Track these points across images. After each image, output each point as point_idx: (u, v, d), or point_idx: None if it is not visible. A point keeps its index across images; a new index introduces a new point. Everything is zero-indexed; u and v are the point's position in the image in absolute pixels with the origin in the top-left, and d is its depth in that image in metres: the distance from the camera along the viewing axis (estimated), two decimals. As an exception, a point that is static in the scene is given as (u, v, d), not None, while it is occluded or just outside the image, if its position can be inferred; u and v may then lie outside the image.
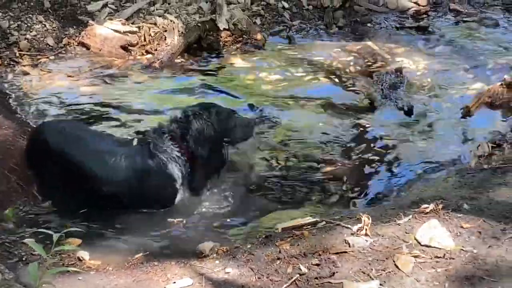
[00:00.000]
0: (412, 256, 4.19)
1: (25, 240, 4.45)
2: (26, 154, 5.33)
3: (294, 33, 7.33)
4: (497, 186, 4.90)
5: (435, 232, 4.37)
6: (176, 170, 5.01)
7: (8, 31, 6.85)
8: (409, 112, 6.24)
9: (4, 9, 6.99)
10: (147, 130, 5.14)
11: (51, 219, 5.00)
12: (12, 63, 6.65)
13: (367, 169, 5.66)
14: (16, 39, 6.82)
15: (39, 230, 4.54)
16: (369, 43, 7.18)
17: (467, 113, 6.09)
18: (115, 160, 5.02)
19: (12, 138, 5.56)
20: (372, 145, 5.92)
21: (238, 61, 6.95)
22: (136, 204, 5.09)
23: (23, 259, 4.38)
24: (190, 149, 4.93)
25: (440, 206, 4.63)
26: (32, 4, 7.11)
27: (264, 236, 4.61)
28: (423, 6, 7.69)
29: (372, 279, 4.07)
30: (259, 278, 4.19)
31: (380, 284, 4.06)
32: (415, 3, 7.72)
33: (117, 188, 5.04)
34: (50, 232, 4.33)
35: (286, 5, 7.54)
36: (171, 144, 4.95)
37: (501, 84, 6.16)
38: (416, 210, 4.65)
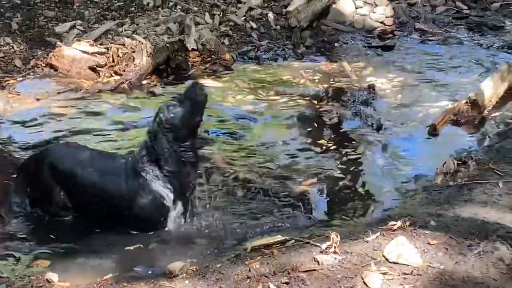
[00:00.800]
0: (381, 273, 4.20)
1: (-3, 261, 4.43)
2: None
3: (262, 53, 7.35)
4: (463, 203, 4.93)
5: (402, 249, 4.39)
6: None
7: (-24, 54, 6.83)
8: (378, 129, 6.28)
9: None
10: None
11: (20, 242, 4.96)
12: (-22, 84, 6.61)
13: (335, 187, 5.67)
14: (-17, 60, 6.81)
15: (7, 252, 4.53)
16: (337, 62, 7.20)
17: (433, 130, 6.12)
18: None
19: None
20: (339, 163, 5.95)
21: (207, 81, 6.96)
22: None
23: (-4, 281, 4.34)
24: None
25: (408, 223, 4.65)
26: (0, 26, 7.07)
27: (233, 255, 4.61)
28: (389, 25, 7.76)
29: (341, 298, 4.09)
30: (221, 290, 4.20)
31: (351, 301, 4.08)
32: (381, 23, 7.79)
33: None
34: (18, 254, 4.32)
35: (254, 26, 7.56)
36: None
37: (466, 102, 6.21)
38: (384, 227, 4.66)
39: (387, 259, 4.38)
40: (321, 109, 6.52)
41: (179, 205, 4.93)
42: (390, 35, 7.64)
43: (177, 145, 4.82)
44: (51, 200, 5.17)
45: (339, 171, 5.91)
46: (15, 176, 5.41)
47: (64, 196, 5.12)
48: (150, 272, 4.70)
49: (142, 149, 4.95)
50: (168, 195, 4.92)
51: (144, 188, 4.92)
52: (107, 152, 5.48)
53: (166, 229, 5.00)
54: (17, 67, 6.89)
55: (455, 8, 8.01)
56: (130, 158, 5.08)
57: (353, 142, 6.21)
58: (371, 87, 6.75)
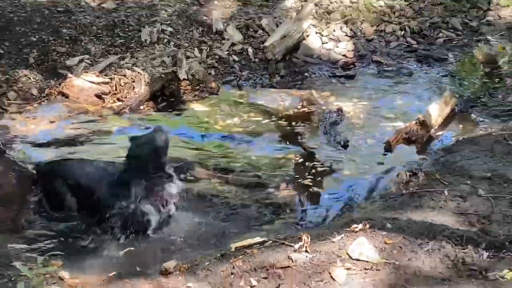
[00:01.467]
0: (345, 268, 4.21)
1: (14, 263, 4.40)
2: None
3: (243, 81, 7.35)
4: (414, 208, 4.95)
5: (363, 248, 4.40)
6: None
7: (-3, 83, 6.80)
8: (345, 146, 6.28)
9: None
10: None
11: (36, 245, 4.92)
12: (1, 110, 6.58)
13: (306, 195, 5.68)
14: (5, 90, 6.76)
15: (26, 254, 4.50)
16: (307, 89, 7.20)
17: (388, 147, 6.16)
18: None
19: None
20: (311, 174, 5.95)
21: (196, 106, 6.98)
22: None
23: (12, 279, 4.31)
24: None
25: (368, 226, 4.66)
26: (18, 60, 7.07)
27: (219, 255, 4.60)
28: (350, 58, 7.77)
29: (311, 289, 4.07)
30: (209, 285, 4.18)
31: (320, 291, 4.06)
32: (343, 55, 7.80)
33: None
34: (35, 255, 4.29)
35: (236, 58, 7.56)
36: None
37: (416, 123, 6.24)
38: (347, 229, 4.66)
39: (350, 257, 4.38)
40: (295, 129, 6.55)
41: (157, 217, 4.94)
42: (351, 66, 7.66)
43: (145, 174, 4.90)
44: (63, 204, 5.26)
45: (311, 181, 5.91)
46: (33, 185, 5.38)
47: (73, 200, 5.14)
48: (148, 270, 4.68)
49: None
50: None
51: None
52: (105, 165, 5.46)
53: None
54: (34, 95, 6.85)
55: (406, 43, 8.03)
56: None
57: (324, 156, 6.22)
58: (340, 110, 6.75)
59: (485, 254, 4.32)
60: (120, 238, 4.93)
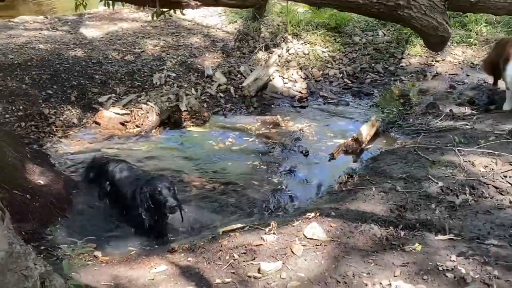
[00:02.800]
0: (302, 245, 4.23)
1: (61, 246, 4.37)
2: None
3: (227, 111, 7.38)
4: (350, 201, 4.97)
5: (315, 230, 4.41)
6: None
7: (48, 115, 6.77)
8: (306, 154, 6.35)
9: (46, 102, 6.93)
10: None
11: (76, 231, 4.90)
12: (51, 135, 6.56)
13: (274, 193, 5.69)
14: (54, 120, 6.73)
15: (69, 239, 4.48)
16: (273, 116, 7.22)
17: (332, 157, 6.21)
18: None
19: (52, 182, 5.48)
20: (280, 176, 6.00)
21: (193, 129, 7.02)
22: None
23: (59, 258, 4.28)
24: None
25: (318, 214, 4.68)
26: (63, 98, 7.06)
27: (211, 237, 4.60)
28: (304, 94, 7.81)
29: (278, 261, 4.08)
30: (208, 263, 4.21)
31: (283, 263, 4.08)
32: (299, 92, 7.84)
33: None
34: (76, 240, 4.27)
35: (222, 95, 7.61)
36: None
37: (352, 139, 6.30)
38: (303, 217, 4.68)
39: (305, 236, 4.39)
40: (268, 144, 6.58)
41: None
42: (305, 99, 7.70)
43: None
44: (103, 192, 5.30)
45: (278, 182, 5.92)
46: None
47: (110, 190, 5.19)
48: (159, 249, 4.67)
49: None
50: None
51: None
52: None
53: None
54: (75, 123, 6.82)
55: (343, 83, 8.10)
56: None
57: (290, 163, 6.23)
58: (301, 130, 6.84)
59: (402, 233, 4.36)
60: (145, 220, 4.84)
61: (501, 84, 6.86)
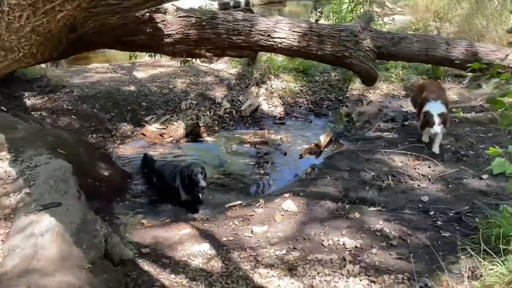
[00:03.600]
0: (281, 215, 4.23)
1: (118, 216, 4.36)
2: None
3: (231, 127, 7.33)
4: (314, 185, 4.98)
5: (289, 205, 4.42)
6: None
7: (111, 129, 6.75)
8: (285, 154, 6.33)
9: (109, 121, 6.92)
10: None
11: (127, 208, 4.88)
12: (112, 143, 6.52)
13: (261, 181, 5.68)
14: (114, 133, 6.70)
15: (124, 210, 4.47)
16: (262, 130, 7.20)
17: (301, 156, 6.17)
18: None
19: (113, 174, 5.48)
20: (265, 169, 5.93)
21: (208, 139, 6.98)
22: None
23: (118, 224, 4.27)
24: None
25: (291, 194, 4.69)
26: (121, 118, 7.02)
27: (220, 211, 4.60)
28: (282, 114, 7.77)
29: (265, 225, 4.09)
30: (218, 228, 4.23)
31: (268, 227, 4.09)
32: (279, 113, 7.80)
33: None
34: (129, 211, 4.25)
35: (227, 116, 7.55)
36: None
37: (314, 144, 6.30)
38: (282, 196, 4.71)
39: (283, 209, 4.42)
40: (258, 149, 6.52)
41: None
42: (283, 118, 7.67)
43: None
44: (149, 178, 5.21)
45: (265, 173, 5.91)
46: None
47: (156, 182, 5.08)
48: (186, 218, 4.65)
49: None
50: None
51: None
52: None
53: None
54: (129, 135, 6.77)
55: (309, 107, 8.05)
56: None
57: (273, 161, 6.16)
58: (281, 139, 6.77)
59: (347, 206, 4.38)
60: (181, 195, 4.77)
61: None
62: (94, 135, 6.49)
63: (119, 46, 6.04)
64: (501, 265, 3.01)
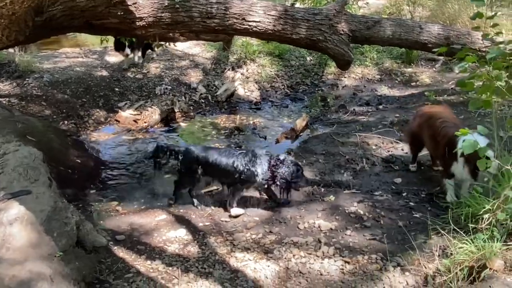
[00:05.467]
0: (257, 199, 4.17)
1: (92, 203, 4.29)
2: None
3: (207, 112, 7.27)
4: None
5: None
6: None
7: (83, 116, 6.60)
8: (265, 138, 6.27)
9: (82, 107, 6.77)
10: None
11: (103, 194, 4.79)
12: (85, 129, 6.37)
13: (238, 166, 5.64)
14: (87, 119, 6.54)
15: (98, 198, 4.38)
16: (238, 115, 7.16)
17: (277, 141, 6.15)
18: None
19: (86, 161, 5.38)
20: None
21: (183, 124, 6.88)
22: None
23: (91, 211, 4.21)
24: None
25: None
26: (94, 104, 6.87)
27: (196, 195, 4.56)
28: (258, 99, 7.75)
29: (241, 210, 4.07)
30: (194, 212, 4.21)
31: (244, 211, 4.08)
32: (255, 98, 7.78)
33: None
34: (102, 199, 4.18)
35: (203, 101, 7.48)
36: None
37: (290, 129, 6.30)
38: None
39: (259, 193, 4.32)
40: (233, 133, 6.46)
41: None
42: (259, 103, 7.64)
43: None
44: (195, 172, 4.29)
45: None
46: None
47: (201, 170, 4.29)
48: (162, 204, 4.60)
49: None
50: None
51: None
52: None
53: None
54: (102, 121, 6.63)
55: (285, 92, 8.06)
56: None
57: (249, 145, 6.12)
58: (256, 123, 6.75)
59: (322, 189, 4.41)
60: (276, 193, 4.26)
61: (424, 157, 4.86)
62: (66, 122, 6.31)
63: (90, 29, 5.85)
64: (470, 243, 3.10)
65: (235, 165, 4.10)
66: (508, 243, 3.10)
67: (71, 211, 3.09)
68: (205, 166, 4.19)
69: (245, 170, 4.07)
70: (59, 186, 3.71)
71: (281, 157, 4.10)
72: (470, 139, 2.97)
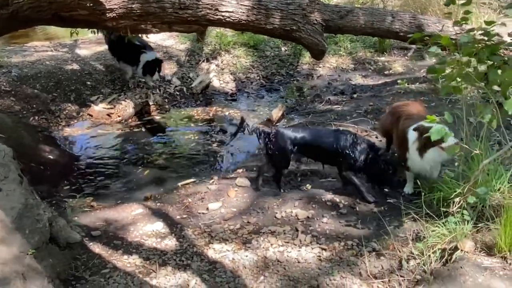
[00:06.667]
0: (235, 190, 4.24)
1: (66, 199, 4.22)
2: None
3: (182, 104, 7.19)
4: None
5: (243, 180, 4.43)
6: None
7: (55, 111, 6.44)
8: (240, 125, 6.23)
9: (52, 102, 6.59)
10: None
11: (77, 190, 4.72)
12: (57, 125, 6.24)
13: (216, 156, 5.66)
14: (58, 114, 6.40)
15: (71, 193, 4.31)
16: (213, 107, 7.12)
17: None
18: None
19: (58, 157, 5.28)
20: (220, 144, 5.89)
21: (158, 117, 6.80)
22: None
23: (64, 207, 4.13)
24: None
25: (244, 170, 4.69)
26: (65, 98, 6.70)
27: (173, 188, 4.55)
28: (234, 91, 7.72)
29: (219, 201, 4.09)
30: (171, 206, 4.17)
31: (222, 203, 4.09)
32: (230, 89, 7.74)
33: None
34: (76, 194, 4.11)
35: (178, 93, 7.40)
36: None
37: (267, 119, 6.29)
38: (235, 172, 4.71)
39: (237, 185, 4.40)
40: (210, 125, 6.45)
41: None
42: (234, 94, 7.62)
43: None
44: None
45: (218, 150, 5.87)
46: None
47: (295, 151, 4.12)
48: (137, 198, 4.57)
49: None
50: None
51: None
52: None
53: None
54: (74, 116, 6.50)
55: (260, 82, 8.04)
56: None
57: (225, 137, 6.08)
58: (232, 114, 6.70)
59: (299, 178, 4.44)
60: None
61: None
62: (36, 117, 6.15)
63: (58, 22, 5.69)
64: (442, 226, 3.19)
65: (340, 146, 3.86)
66: (478, 225, 3.20)
67: (43, 208, 3.03)
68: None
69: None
70: (31, 183, 3.63)
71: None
72: (438, 127, 3.04)
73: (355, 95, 6.79)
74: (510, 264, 2.92)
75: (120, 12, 5.34)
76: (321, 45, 6.08)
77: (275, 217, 3.82)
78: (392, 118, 4.23)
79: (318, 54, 6.36)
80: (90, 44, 8.56)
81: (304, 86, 7.56)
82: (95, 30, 6.97)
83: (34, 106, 6.31)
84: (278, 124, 6.32)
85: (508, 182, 3.38)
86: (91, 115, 6.47)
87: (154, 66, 6.87)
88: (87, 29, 6.74)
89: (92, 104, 6.64)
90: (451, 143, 3.26)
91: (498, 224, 3.03)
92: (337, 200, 3.99)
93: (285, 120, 6.41)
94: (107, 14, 5.30)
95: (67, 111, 6.49)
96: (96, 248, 3.49)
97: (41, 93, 6.57)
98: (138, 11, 5.41)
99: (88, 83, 7.08)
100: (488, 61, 3.32)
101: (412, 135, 3.64)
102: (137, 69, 6.89)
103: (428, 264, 3.05)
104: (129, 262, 3.34)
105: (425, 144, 3.46)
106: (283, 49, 8.58)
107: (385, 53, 8.34)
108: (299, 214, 3.82)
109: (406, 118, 3.91)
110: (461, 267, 2.93)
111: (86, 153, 5.56)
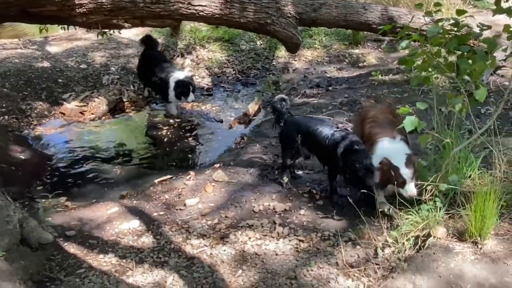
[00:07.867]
0: (212, 185, 4.23)
1: (38, 200, 4.13)
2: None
3: (157, 100, 7.05)
4: (243, 154, 5.05)
5: (220, 175, 4.43)
6: None
7: (25, 110, 6.27)
8: (221, 121, 6.28)
9: (23, 101, 6.46)
10: None
11: (50, 190, 4.63)
12: (28, 124, 6.08)
13: (194, 152, 5.63)
14: (30, 113, 6.23)
15: (43, 194, 4.23)
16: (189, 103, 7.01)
17: (230, 127, 6.15)
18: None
19: (30, 157, 5.16)
20: (196, 140, 5.86)
21: (132, 114, 6.69)
22: None
23: (37, 208, 4.05)
24: None
25: (222, 164, 4.71)
26: (36, 97, 6.54)
27: (149, 185, 4.52)
28: (210, 85, 7.64)
29: (196, 197, 4.08)
30: (148, 203, 4.14)
31: (199, 198, 4.08)
32: (206, 84, 7.66)
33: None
34: (49, 194, 4.03)
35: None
36: None
37: (243, 114, 6.29)
38: (213, 167, 4.73)
39: (214, 180, 4.40)
40: (187, 121, 6.36)
41: None
42: (210, 89, 7.56)
43: None
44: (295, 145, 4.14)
45: (195, 145, 5.84)
46: None
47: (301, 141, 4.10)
48: (113, 197, 4.51)
49: None
50: None
51: None
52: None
53: None
54: (46, 114, 6.34)
55: (236, 77, 7.98)
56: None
57: (207, 130, 6.10)
58: (209, 109, 6.66)
59: (276, 172, 4.46)
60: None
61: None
62: (6, 117, 5.97)
63: (26, 18, 5.56)
64: (415, 214, 3.26)
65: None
66: (450, 212, 3.28)
67: (13, 209, 2.95)
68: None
69: None
70: (1, 184, 3.55)
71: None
72: (410, 118, 3.09)
73: (330, 88, 6.83)
74: (480, 248, 3.01)
75: (90, 7, 5.22)
76: (296, 38, 6.09)
77: (253, 210, 3.84)
78: (361, 125, 4.03)
79: (293, 48, 6.37)
80: (61, 41, 8.36)
81: (280, 79, 7.56)
82: (65, 26, 6.81)
83: (4, 105, 6.13)
84: (255, 118, 6.34)
85: (478, 169, 3.47)
86: (63, 114, 6.32)
87: None
88: (57, 25, 6.59)
89: (64, 102, 6.49)
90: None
91: (469, 210, 3.12)
92: (314, 192, 4.03)
93: (263, 114, 6.42)
94: (76, 9, 5.19)
95: (38, 109, 6.33)
96: (71, 248, 3.43)
97: (10, 92, 6.39)
98: (108, 6, 5.30)
99: (60, 80, 6.92)
100: (457, 51, 3.39)
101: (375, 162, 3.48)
102: None
103: (403, 252, 3.12)
104: (105, 261, 3.30)
105: (386, 181, 3.42)
106: (258, 43, 8.56)
107: (359, 45, 8.41)
108: (276, 207, 3.85)
109: (371, 126, 3.82)
110: (434, 253, 3.00)
111: (59, 152, 5.44)
